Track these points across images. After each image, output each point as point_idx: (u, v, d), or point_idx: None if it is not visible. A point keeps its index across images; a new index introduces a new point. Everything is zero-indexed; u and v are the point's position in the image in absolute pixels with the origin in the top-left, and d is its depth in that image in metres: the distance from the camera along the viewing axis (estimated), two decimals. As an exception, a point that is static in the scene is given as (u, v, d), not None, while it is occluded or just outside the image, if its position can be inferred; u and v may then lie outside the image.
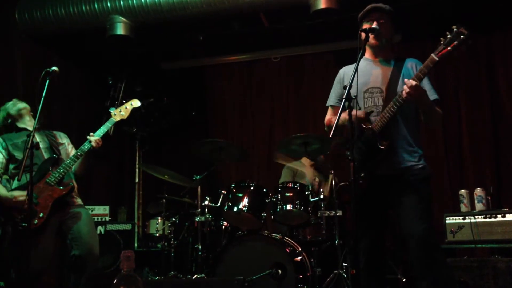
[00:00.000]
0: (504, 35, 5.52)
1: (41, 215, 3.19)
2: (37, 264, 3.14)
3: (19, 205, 3.19)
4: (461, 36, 2.51)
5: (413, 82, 2.59)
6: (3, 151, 3.45)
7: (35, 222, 3.16)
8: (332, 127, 2.96)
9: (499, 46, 5.54)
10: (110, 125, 3.55)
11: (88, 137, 3.41)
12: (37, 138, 3.45)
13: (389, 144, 2.70)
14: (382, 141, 2.70)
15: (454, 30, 2.53)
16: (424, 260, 2.64)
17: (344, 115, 2.64)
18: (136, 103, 3.75)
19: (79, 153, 3.36)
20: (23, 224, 3.17)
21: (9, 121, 3.59)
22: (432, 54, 2.59)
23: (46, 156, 3.44)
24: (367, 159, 2.75)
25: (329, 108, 3.12)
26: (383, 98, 2.81)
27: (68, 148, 3.67)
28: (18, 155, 3.36)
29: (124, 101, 3.74)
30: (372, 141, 2.73)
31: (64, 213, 3.35)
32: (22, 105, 3.64)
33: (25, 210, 3.11)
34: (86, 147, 3.37)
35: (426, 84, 2.78)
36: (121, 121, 3.68)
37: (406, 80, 2.63)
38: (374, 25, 2.80)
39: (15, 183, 3.34)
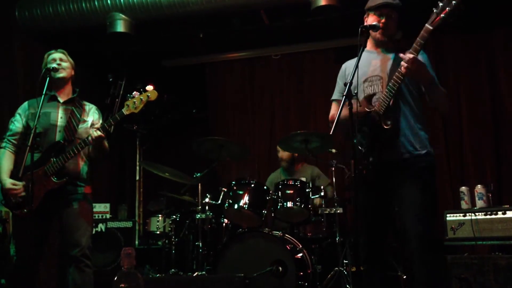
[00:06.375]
0: (505, 32, 5.51)
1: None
2: (31, 250, 3.11)
3: (11, 193, 3.15)
4: (453, 2, 2.44)
5: (410, 55, 2.53)
6: (23, 119, 3.31)
7: (24, 211, 3.12)
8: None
9: (500, 43, 5.52)
10: (118, 118, 3.17)
11: (91, 131, 3.21)
12: (60, 113, 3.31)
13: (393, 124, 2.63)
14: (386, 120, 2.63)
15: None
16: (421, 258, 2.59)
17: (345, 111, 2.57)
18: (153, 94, 3.19)
19: (79, 146, 3.17)
20: (15, 210, 3.16)
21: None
22: (426, 24, 2.52)
23: (58, 137, 3.26)
24: (373, 141, 2.68)
25: (333, 103, 3.08)
26: (382, 84, 2.77)
27: (89, 127, 3.36)
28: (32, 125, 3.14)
29: (141, 90, 3.21)
30: (376, 122, 2.66)
31: (62, 202, 3.23)
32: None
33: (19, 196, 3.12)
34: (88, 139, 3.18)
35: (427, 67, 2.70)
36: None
37: (401, 55, 2.57)
38: (374, 22, 2.79)
39: (28, 159, 3.13)
